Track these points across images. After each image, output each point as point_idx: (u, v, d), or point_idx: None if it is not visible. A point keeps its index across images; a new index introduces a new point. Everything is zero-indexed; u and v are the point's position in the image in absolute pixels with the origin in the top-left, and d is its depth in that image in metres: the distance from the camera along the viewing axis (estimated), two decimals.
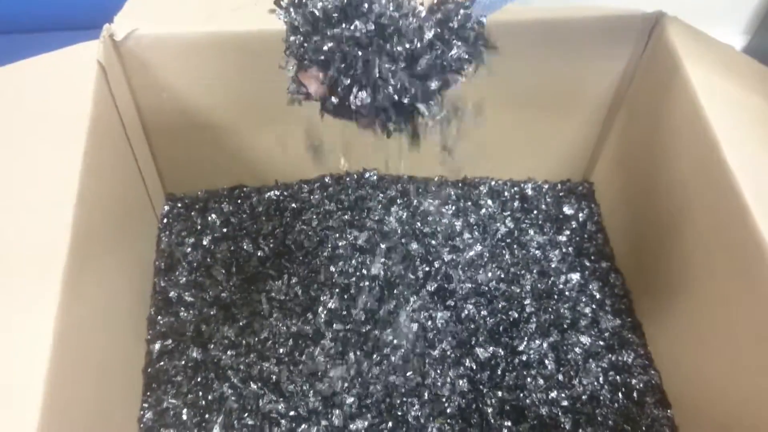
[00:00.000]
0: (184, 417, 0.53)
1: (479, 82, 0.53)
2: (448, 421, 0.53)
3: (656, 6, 0.56)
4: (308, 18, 0.37)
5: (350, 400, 0.53)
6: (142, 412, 0.53)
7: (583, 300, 0.60)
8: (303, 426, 0.52)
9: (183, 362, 0.56)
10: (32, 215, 0.42)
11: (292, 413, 0.53)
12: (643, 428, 0.54)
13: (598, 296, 0.61)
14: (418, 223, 0.64)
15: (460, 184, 0.68)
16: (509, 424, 0.53)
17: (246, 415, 0.53)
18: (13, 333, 0.37)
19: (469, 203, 0.67)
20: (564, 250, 0.64)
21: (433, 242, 0.63)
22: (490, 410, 0.53)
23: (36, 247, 0.41)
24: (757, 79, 0.53)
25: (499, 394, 0.54)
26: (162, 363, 0.56)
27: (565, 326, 0.58)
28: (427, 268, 0.61)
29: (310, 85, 0.38)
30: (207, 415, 0.53)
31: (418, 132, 0.41)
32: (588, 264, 0.63)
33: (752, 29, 1.21)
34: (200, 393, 0.54)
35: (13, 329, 0.37)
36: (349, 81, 0.37)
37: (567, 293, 0.60)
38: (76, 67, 0.50)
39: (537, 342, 0.57)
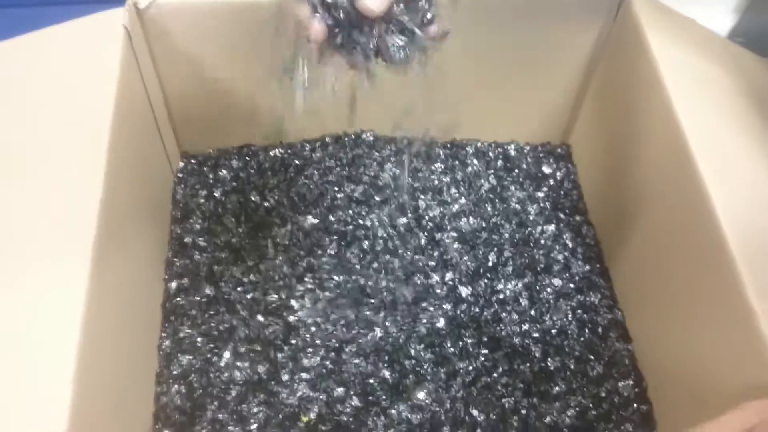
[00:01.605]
0: (199, 344, 0.60)
1: (462, 52, 0.59)
2: (433, 348, 0.60)
3: None
4: None
5: (343, 332, 0.60)
6: (161, 341, 0.60)
7: (557, 248, 0.67)
8: (303, 352, 0.59)
9: (197, 298, 0.62)
10: (68, 171, 0.48)
11: (293, 341, 0.59)
12: (606, 358, 0.61)
13: (570, 245, 0.67)
14: (409, 179, 0.70)
15: (449, 145, 0.75)
16: (486, 352, 0.60)
17: (253, 341, 0.59)
18: (57, 271, 0.43)
19: (457, 162, 0.73)
20: (541, 204, 0.70)
21: (422, 196, 0.69)
22: (469, 341, 0.60)
23: (73, 197, 0.47)
24: (713, 48, 0.59)
25: (478, 326, 0.61)
26: (178, 299, 0.62)
27: (539, 270, 0.65)
28: (416, 219, 0.67)
29: (313, 28, 0.44)
30: (219, 342, 0.60)
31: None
32: (563, 217, 0.70)
33: (741, 8, 1.26)
34: (212, 324, 0.61)
35: (55, 268, 0.43)
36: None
37: (542, 242, 0.67)
38: (103, 31, 0.56)
39: (513, 282, 0.64)
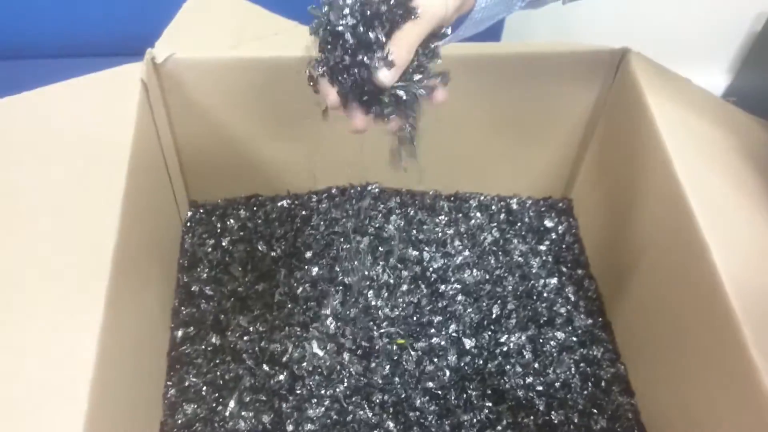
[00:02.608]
0: (204, 393, 0.60)
1: (467, 108, 0.60)
2: (437, 400, 0.60)
3: (644, 47, 0.65)
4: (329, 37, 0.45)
5: (348, 383, 0.60)
6: (166, 390, 0.60)
7: (560, 301, 0.68)
8: (308, 402, 0.59)
9: (203, 347, 0.63)
10: (83, 219, 0.49)
11: (298, 391, 0.60)
12: (609, 412, 0.61)
13: (573, 298, 0.68)
14: (414, 231, 0.72)
15: (452, 198, 0.76)
16: (490, 404, 0.60)
17: (258, 391, 0.60)
18: (69, 323, 0.44)
19: (460, 215, 0.74)
20: (544, 257, 0.71)
21: (427, 248, 0.70)
22: (473, 393, 0.60)
23: (88, 245, 0.48)
24: (709, 107, 0.61)
25: (482, 378, 0.61)
26: (184, 347, 0.63)
27: (542, 322, 0.66)
28: (419, 270, 0.68)
29: (328, 95, 0.47)
30: (224, 392, 0.60)
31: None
32: (565, 270, 0.71)
33: (735, 68, 1.29)
34: (218, 373, 0.61)
35: (69, 314, 0.44)
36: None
37: (545, 294, 0.68)
38: (122, 84, 0.58)
39: (516, 335, 0.64)
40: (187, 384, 0.61)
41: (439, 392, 0.60)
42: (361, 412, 0.59)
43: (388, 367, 0.61)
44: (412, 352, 0.62)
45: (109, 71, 0.59)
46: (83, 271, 0.46)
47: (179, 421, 0.58)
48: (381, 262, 0.68)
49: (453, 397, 0.60)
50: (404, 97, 0.46)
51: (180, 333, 0.64)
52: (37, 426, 0.40)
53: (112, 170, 0.52)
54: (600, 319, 0.67)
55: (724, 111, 0.62)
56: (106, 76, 0.59)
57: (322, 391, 0.60)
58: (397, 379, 0.61)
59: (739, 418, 0.47)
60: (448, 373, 0.61)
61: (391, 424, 0.58)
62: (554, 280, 0.69)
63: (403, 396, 0.60)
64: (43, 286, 0.46)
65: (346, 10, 0.44)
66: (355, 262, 0.68)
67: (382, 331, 0.63)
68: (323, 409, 0.58)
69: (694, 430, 0.53)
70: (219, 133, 0.69)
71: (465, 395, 0.60)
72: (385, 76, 0.44)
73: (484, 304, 0.66)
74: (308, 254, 0.69)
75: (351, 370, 0.61)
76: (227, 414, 0.59)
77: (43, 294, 0.45)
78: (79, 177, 0.52)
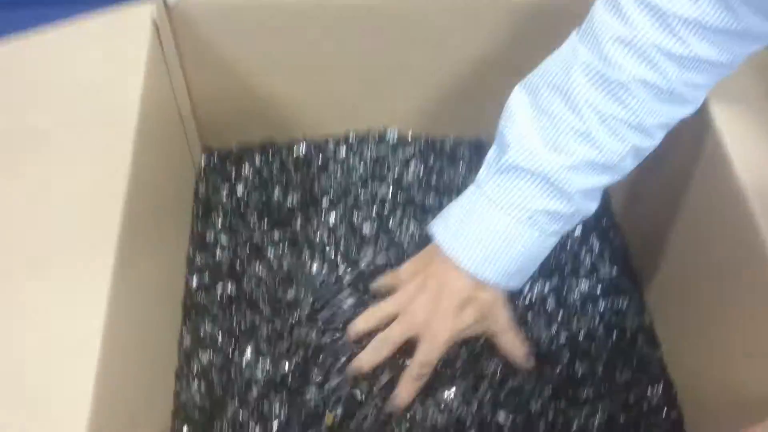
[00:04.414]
0: (220, 342, 0.59)
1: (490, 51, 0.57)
2: (460, 346, 0.58)
3: None
4: None
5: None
6: (181, 338, 0.59)
7: (584, 250, 0.66)
8: (327, 350, 0.58)
9: (218, 295, 0.62)
10: (93, 165, 0.48)
11: (318, 339, 0.58)
12: (634, 364, 0.59)
13: (597, 247, 0.66)
14: (434, 178, 0.69)
15: (474, 145, 0.74)
16: None
17: (276, 339, 0.59)
18: (80, 267, 0.43)
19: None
20: None
21: (447, 196, 0.68)
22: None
23: (98, 192, 0.46)
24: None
25: None
26: (199, 296, 0.62)
27: (566, 272, 0.64)
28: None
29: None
30: (240, 340, 0.59)
31: None
32: (590, 219, 0.68)
33: None
34: (234, 321, 0.60)
35: (79, 264, 0.43)
36: None
37: (569, 244, 0.66)
38: (132, 26, 0.56)
39: (540, 285, 0.62)
40: (202, 332, 0.59)
41: (465, 340, 0.59)
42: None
43: None
44: None
45: (118, 12, 0.56)
46: (93, 219, 0.45)
47: (194, 370, 0.57)
48: (399, 210, 0.66)
49: (479, 345, 0.58)
50: None
51: (195, 281, 0.63)
52: (47, 375, 0.39)
53: (122, 115, 0.50)
54: (626, 269, 0.65)
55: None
56: (114, 17, 0.56)
57: (344, 339, 0.58)
58: None
59: None
60: None
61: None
62: (578, 228, 0.67)
63: None
64: (52, 234, 0.44)
65: None
66: (373, 210, 0.66)
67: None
68: (344, 359, 0.57)
69: (722, 383, 0.52)
70: (233, 77, 0.66)
71: (486, 343, 0.59)
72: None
73: None
74: (325, 201, 0.67)
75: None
76: (244, 363, 0.58)
77: (53, 241, 0.44)
78: (88, 122, 0.50)
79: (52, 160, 0.48)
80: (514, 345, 0.56)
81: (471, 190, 0.52)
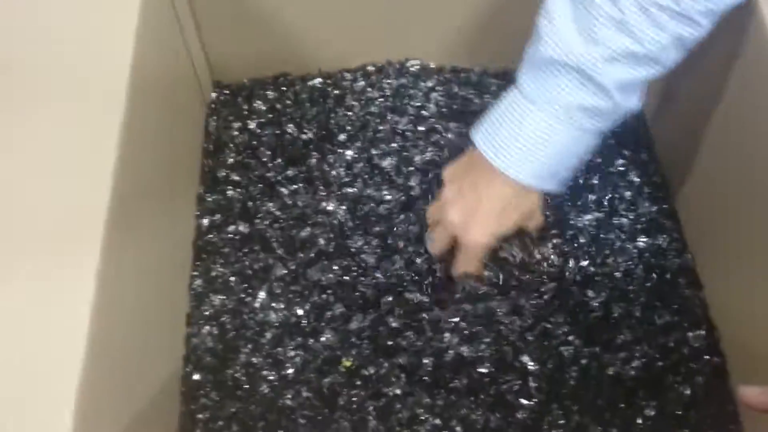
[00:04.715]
0: (232, 284, 0.56)
1: None
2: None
3: None
4: None
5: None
6: (192, 280, 0.57)
7: (622, 185, 0.61)
8: (344, 293, 0.55)
9: (230, 235, 0.58)
10: (87, 94, 0.44)
11: (334, 280, 0.55)
12: (675, 306, 0.55)
13: (637, 182, 0.61)
14: (457, 108, 0.65)
15: (501, 75, 0.69)
16: (546, 294, 0.55)
17: (290, 282, 0.55)
18: (72, 207, 0.40)
19: None
20: (606, 139, 0.64)
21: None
22: (526, 276, 0.55)
23: (92, 126, 0.43)
24: None
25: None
26: (210, 236, 0.59)
27: (604, 208, 0.59)
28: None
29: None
30: (254, 282, 0.56)
31: None
32: (628, 153, 0.64)
33: None
34: (246, 263, 0.57)
35: (72, 203, 0.40)
36: None
37: (608, 178, 0.61)
38: None
39: (577, 220, 0.58)
40: (214, 274, 0.57)
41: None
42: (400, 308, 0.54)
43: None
44: None
45: None
46: (86, 159, 0.42)
47: (206, 313, 0.55)
48: (421, 142, 0.62)
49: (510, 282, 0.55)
50: None
51: (206, 221, 0.60)
52: (40, 319, 0.36)
53: (117, 44, 0.46)
54: (666, 206, 0.61)
55: None
56: None
57: (362, 279, 0.55)
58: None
59: None
60: None
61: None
62: (618, 163, 0.62)
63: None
64: (47, 169, 0.41)
65: None
66: (393, 144, 0.62)
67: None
68: (360, 299, 0.54)
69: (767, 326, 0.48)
70: (244, 7, 0.62)
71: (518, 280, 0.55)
72: None
73: None
74: (342, 136, 0.63)
75: (389, 259, 0.56)
76: (257, 305, 0.55)
77: (48, 178, 0.41)
78: (79, 56, 0.46)
79: (47, 94, 0.45)
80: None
81: (508, 90, 0.49)
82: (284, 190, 0.60)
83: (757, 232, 0.49)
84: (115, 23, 0.48)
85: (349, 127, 0.64)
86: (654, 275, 0.56)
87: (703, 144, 0.56)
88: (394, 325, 0.53)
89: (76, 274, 0.37)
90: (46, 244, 0.38)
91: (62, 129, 0.43)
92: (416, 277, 0.55)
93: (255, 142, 0.64)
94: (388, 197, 0.59)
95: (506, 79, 0.68)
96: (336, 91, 0.67)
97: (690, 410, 0.51)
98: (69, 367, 0.34)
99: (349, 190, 0.60)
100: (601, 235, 0.58)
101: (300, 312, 0.54)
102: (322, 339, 0.53)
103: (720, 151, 0.54)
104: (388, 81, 0.67)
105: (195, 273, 0.57)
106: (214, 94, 0.68)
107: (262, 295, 0.55)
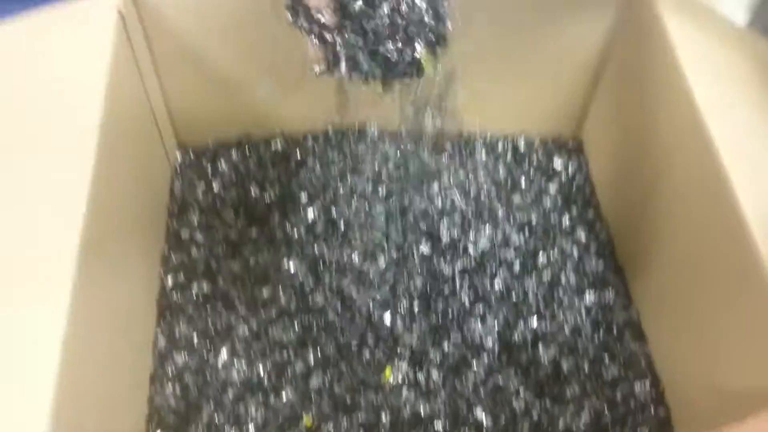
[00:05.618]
0: (195, 343, 0.57)
1: (470, 41, 0.56)
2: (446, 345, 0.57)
3: None
4: None
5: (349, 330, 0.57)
6: (155, 339, 0.58)
7: (570, 243, 0.64)
8: (305, 350, 0.56)
9: (194, 294, 0.60)
10: (54, 161, 0.46)
11: (295, 338, 0.57)
12: (621, 359, 0.58)
13: (583, 241, 0.65)
14: (415, 171, 0.68)
15: (456, 137, 0.72)
16: (497, 349, 0.57)
17: (252, 340, 0.57)
18: (42, 264, 0.41)
19: (465, 154, 0.70)
20: (553, 199, 0.68)
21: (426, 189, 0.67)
22: (478, 339, 0.57)
23: (59, 189, 0.44)
24: (734, 38, 0.56)
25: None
26: (174, 295, 0.60)
27: (551, 266, 0.62)
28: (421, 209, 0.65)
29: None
30: (216, 341, 0.57)
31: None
32: (575, 212, 0.67)
33: (754, 6, 1.23)
34: (209, 322, 0.58)
35: (41, 261, 0.41)
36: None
37: (555, 237, 0.64)
38: (96, 16, 0.54)
39: (524, 280, 0.61)
40: (177, 332, 0.58)
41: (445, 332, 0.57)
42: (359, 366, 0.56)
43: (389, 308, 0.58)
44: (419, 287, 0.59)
45: (80, 2, 0.54)
46: (55, 219, 0.43)
47: (169, 372, 0.56)
48: (378, 205, 0.65)
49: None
50: None
51: (170, 280, 0.61)
52: (7, 375, 0.37)
53: (85, 112, 0.48)
54: (611, 262, 0.64)
55: (752, 42, 0.57)
56: (75, 9, 0.54)
57: (323, 337, 0.57)
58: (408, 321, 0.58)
59: (762, 366, 0.44)
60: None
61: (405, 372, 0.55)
62: (564, 221, 0.66)
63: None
64: (11, 232, 0.42)
65: None
66: (352, 206, 0.64)
67: (387, 273, 0.60)
68: (320, 357, 0.55)
69: (712, 379, 0.50)
70: (208, 70, 0.64)
71: (471, 333, 0.57)
72: None
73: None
74: (303, 197, 0.66)
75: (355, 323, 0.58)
76: (220, 364, 0.56)
77: (12, 240, 0.42)
78: (47, 120, 0.48)
79: (11, 158, 0.46)
80: None
81: None
82: (247, 250, 0.62)
83: (699, 287, 0.52)
84: (84, 86, 0.50)
85: (310, 189, 0.66)
86: (601, 330, 0.59)
87: (647, 203, 0.60)
88: (353, 382, 0.55)
89: (41, 333, 0.38)
90: (10, 299, 0.39)
91: (31, 186, 0.44)
92: (377, 334, 0.57)
93: (219, 203, 0.66)
94: (348, 257, 0.61)
95: (465, 140, 0.72)
96: (298, 154, 0.69)
97: None
98: (32, 428, 0.35)
99: (311, 249, 0.62)
100: (550, 292, 0.61)
101: (261, 370, 0.56)
102: (283, 397, 0.54)
103: (662, 208, 0.58)
104: (349, 143, 0.70)
105: (158, 332, 0.58)
106: (179, 156, 0.70)
107: (224, 353, 0.56)
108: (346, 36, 0.42)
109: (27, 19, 0.53)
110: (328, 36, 0.42)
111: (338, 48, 0.42)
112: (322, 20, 0.42)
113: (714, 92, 0.52)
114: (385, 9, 0.41)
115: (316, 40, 0.43)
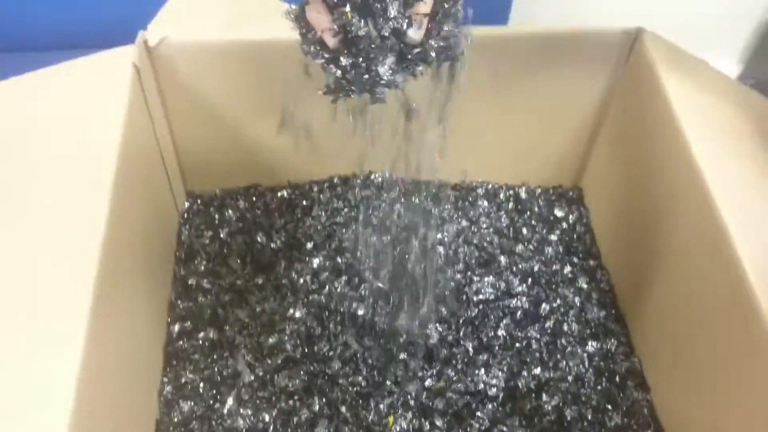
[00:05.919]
0: (201, 390, 0.58)
1: (472, 93, 0.58)
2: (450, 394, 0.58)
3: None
4: None
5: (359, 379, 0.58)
6: (162, 386, 0.58)
7: (572, 292, 0.65)
8: (311, 398, 0.57)
9: (200, 342, 0.60)
10: (70, 211, 0.47)
11: (301, 386, 0.57)
12: (624, 408, 0.58)
13: (585, 290, 0.66)
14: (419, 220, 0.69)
15: (458, 187, 0.74)
16: (501, 395, 0.57)
17: (258, 388, 0.57)
18: (55, 311, 0.42)
19: (467, 203, 0.72)
20: (555, 248, 0.69)
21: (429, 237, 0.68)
22: (482, 387, 0.58)
23: (75, 236, 0.45)
24: (728, 90, 0.58)
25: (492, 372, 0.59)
26: (181, 342, 0.60)
27: (554, 315, 0.63)
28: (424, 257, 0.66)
29: (318, 23, 0.39)
30: (222, 388, 0.57)
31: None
32: (576, 261, 0.68)
33: (746, 58, 1.26)
34: (216, 369, 0.59)
35: (54, 308, 0.42)
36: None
37: (557, 287, 0.65)
38: (112, 68, 0.56)
39: (527, 328, 0.61)
40: (183, 380, 0.58)
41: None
42: (365, 412, 0.56)
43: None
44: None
45: (99, 55, 0.56)
46: (69, 264, 0.44)
47: (175, 419, 0.56)
48: (385, 251, 0.66)
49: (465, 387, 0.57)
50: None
51: (176, 327, 0.61)
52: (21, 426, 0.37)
53: (101, 160, 0.50)
54: (613, 311, 0.65)
55: (744, 95, 0.59)
56: (95, 60, 0.56)
57: (327, 389, 0.57)
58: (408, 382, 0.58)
59: (763, 417, 0.44)
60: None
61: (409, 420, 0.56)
62: (566, 270, 0.67)
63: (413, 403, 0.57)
64: (27, 279, 0.43)
65: None
66: (358, 253, 0.65)
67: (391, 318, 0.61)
68: (326, 405, 0.56)
69: (713, 428, 0.51)
70: (217, 121, 0.66)
71: (475, 387, 0.58)
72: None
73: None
74: (309, 245, 0.67)
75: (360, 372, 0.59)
76: (225, 412, 0.56)
77: (27, 286, 0.43)
78: (65, 167, 0.49)
79: (29, 204, 0.47)
80: None
81: None
82: (253, 298, 0.63)
83: (699, 337, 0.53)
84: (99, 135, 0.51)
85: (316, 237, 0.67)
86: (604, 378, 0.60)
87: (647, 252, 0.61)
88: (358, 430, 0.55)
89: (54, 384, 0.39)
90: (28, 347, 0.40)
91: (44, 237, 0.45)
92: (382, 382, 0.58)
93: (225, 251, 0.67)
94: (354, 305, 0.62)
95: (463, 189, 0.73)
96: (304, 202, 0.71)
97: None
98: None
99: (316, 297, 0.63)
100: (553, 341, 0.61)
101: (267, 418, 0.56)
102: None
103: (662, 257, 0.59)
104: (353, 192, 0.71)
105: (165, 379, 0.58)
106: (187, 204, 0.71)
107: (230, 401, 0.57)
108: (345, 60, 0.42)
109: (46, 70, 0.55)
110: (333, 60, 0.42)
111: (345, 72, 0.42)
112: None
113: (710, 144, 0.53)
114: (386, 32, 0.40)
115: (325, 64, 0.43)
